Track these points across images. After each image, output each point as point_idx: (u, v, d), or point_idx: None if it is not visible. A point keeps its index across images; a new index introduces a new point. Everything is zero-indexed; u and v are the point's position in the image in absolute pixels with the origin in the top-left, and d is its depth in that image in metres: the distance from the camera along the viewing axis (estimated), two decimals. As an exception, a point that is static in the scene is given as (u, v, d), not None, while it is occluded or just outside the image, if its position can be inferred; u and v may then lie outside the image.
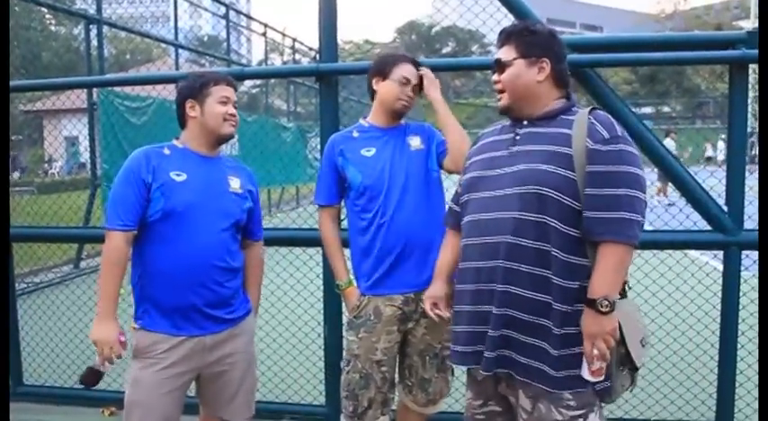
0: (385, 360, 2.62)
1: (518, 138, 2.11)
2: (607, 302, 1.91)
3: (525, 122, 2.12)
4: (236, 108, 2.51)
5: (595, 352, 1.93)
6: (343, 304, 2.88)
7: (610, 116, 2.07)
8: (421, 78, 2.70)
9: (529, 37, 2.12)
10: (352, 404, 2.64)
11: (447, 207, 2.48)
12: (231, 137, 2.53)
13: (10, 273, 4.07)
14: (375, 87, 2.70)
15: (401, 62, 2.68)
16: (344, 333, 2.75)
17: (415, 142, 2.70)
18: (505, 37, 2.14)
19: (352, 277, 2.74)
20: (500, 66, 2.11)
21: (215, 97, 2.45)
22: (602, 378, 1.97)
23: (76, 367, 4.37)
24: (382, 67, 2.68)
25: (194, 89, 2.46)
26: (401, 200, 2.60)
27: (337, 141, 2.75)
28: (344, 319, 2.90)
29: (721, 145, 19.52)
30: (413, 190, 2.62)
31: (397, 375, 2.75)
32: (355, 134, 2.74)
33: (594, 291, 1.94)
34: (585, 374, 1.95)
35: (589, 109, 2.07)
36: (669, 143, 11.70)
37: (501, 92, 2.13)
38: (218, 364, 2.48)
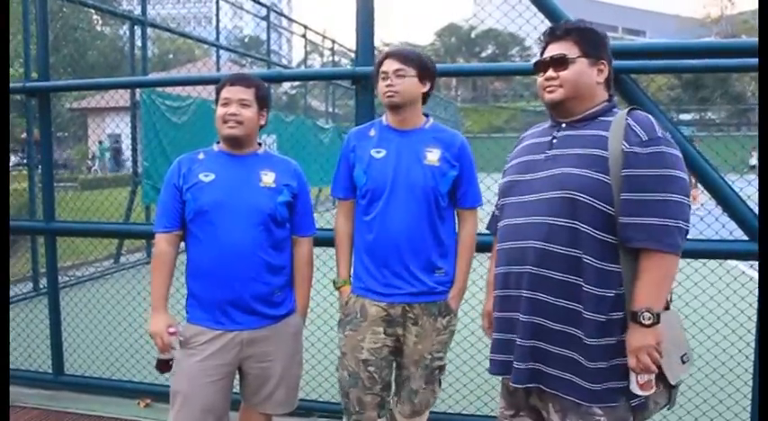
0: (372, 360, 2.59)
1: (555, 141, 2.06)
2: (649, 315, 1.85)
3: (564, 125, 2.07)
4: (245, 106, 2.51)
5: (647, 377, 1.88)
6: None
7: (650, 116, 1.99)
8: (410, 62, 2.57)
9: (591, 35, 2.06)
10: (344, 401, 2.67)
11: (492, 213, 2.41)
12: (233, 138, 2.52)
13: (52, 265, 4.21)
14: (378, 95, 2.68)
15: (381, 60, 2.62)
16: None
17: (433, 156, 2.58)
18: (564, 32, 2.06)
19: (351, 276, 2.74)
20: (562, 61, 2.02)
21: (220, 101, 2.53)
22: (652, 391, 1.90)
23: (114, 359, 4.50)
24: (374, 75, 2.67)
25: (215, 95, 2.57)
26: (400, 209, 2.54)
27: (353, 137, 2.73)
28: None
29: None
30: (415, 202, 2.54)
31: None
32: (372, 133, 2.69)
33: (636, 302, 1.88)
34: (634, 388, 1.90)
35: (628, 109, 2.01)
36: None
37: (556, 86, 2.04)
38: (256, 360, 2.55)
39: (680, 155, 1.94)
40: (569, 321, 1.95)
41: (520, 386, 2.03)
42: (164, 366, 2.53)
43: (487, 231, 2.43)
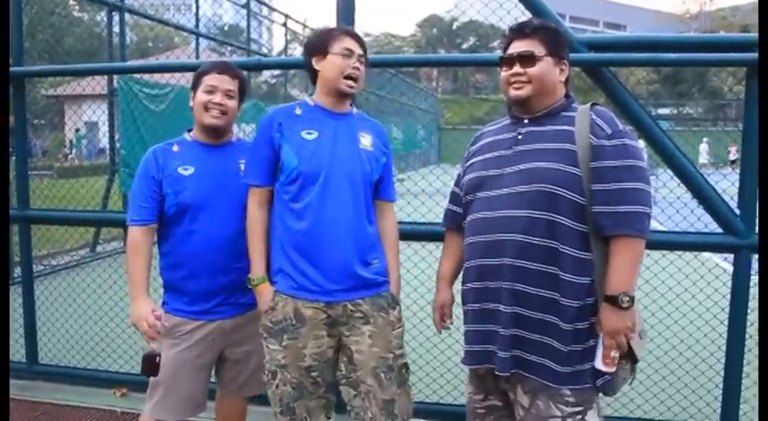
0: (315, 365, 2.31)
1: (520, 137, 2.12)
2: (627, 298, 1.96)
3: (526, 121, 2.14)
4: (231, 97, 2.47)
5: (613, 353, 1.99)
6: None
7: (609, 111, 2.09)
8: (366, 50, 2.40)
9: (556, 36, 2.15)
10: (290, 417, 2.35)
11: (445, 209, 2.42)
12: (215, 127, 2.48)
13: (27, 255, 4.15)
14: (316, 67, 2.39)
15: (341, 35, 2.37)
16: (263, 341, 2.38)
17: (366, 141, 2.41)
18: (532, 30, 2.14)
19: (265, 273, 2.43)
20: (530, 58, 2.09)
21: (203, 87, 2.46)
22: (614, 368, 2.01)
23: (90, 348, 4.46)
24: (321, 44, 2.37)
25: (194, 80, 2.50)
26: (337, 195, 2.29)
27: (277, 115, 2.41)
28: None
29: (703, 147, 19.39)
30: (352, 188, 2.32)
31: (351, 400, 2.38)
32: (298, 111, 2.41)
33: (614, 287, 1.97)
34: (599, 365, 2.00)
35: (589, 105, 2.10)
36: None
37: (523, 82, 2.10)
38: (238, 345, 2.56)
39: (639, 146, 2.06)
40: (548, 309, 2.02)
41: (505, 374, 2.07)
42: (152, 366, 2.31)
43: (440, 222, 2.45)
